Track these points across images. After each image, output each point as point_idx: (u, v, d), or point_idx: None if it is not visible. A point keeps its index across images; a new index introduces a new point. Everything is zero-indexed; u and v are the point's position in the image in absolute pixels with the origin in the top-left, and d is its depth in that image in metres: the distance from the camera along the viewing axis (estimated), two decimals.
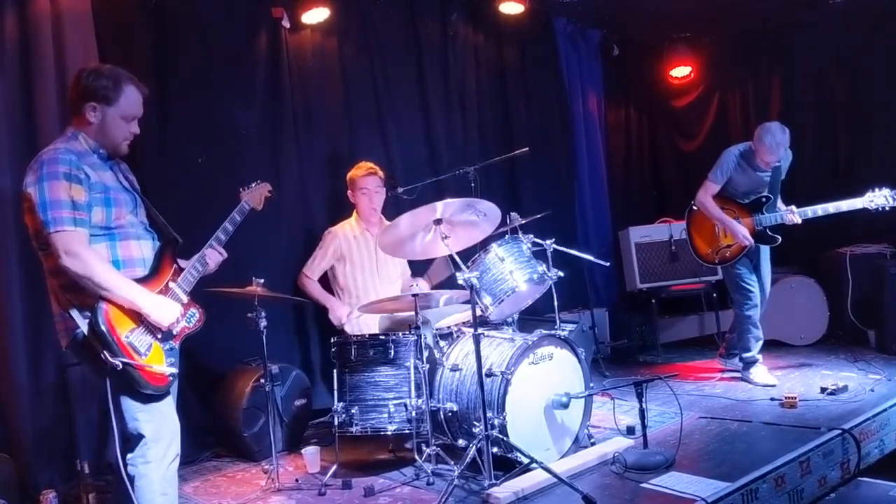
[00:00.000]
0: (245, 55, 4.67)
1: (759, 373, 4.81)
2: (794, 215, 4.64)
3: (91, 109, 2.60)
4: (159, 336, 2.59)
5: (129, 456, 2.57)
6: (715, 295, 6.12)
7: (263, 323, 3.60)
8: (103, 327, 2.43)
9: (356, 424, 3.64)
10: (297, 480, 3.64)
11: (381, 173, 4.57)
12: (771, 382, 4.72)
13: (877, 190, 4.53)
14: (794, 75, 6.69)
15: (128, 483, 2.55)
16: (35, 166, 2.50)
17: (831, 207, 4.58)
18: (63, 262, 2.41)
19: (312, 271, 4.54)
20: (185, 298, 2.71)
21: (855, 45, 6.29)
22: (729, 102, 7.17)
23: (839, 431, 3.62)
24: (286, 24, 4.80)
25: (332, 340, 3.82)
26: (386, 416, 3.63)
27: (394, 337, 3.72)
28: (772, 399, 4.37)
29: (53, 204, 2.42)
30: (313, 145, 4.99)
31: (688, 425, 3.85)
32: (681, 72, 7.19)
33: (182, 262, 2.81)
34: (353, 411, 3.64)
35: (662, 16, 6.48)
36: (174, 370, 2.61)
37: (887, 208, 4.51)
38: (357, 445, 4.06)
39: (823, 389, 4.40)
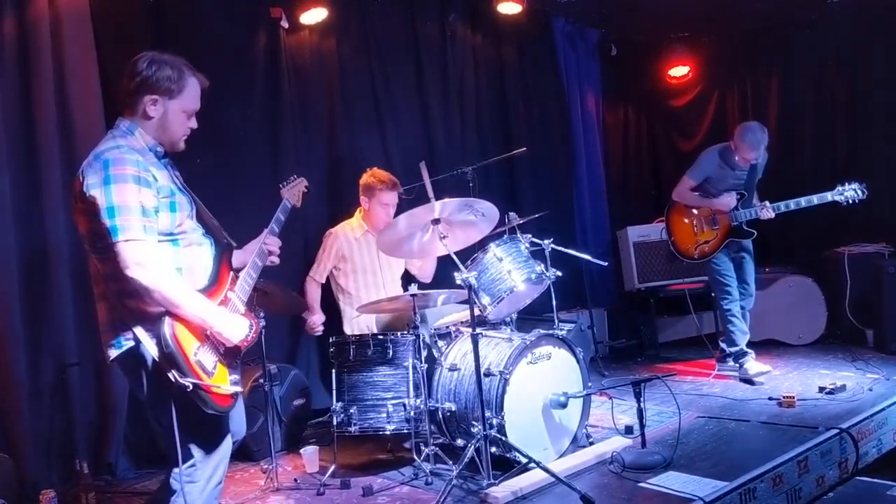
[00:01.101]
0: (244, 56, 4.67)
1: (752, 365, 4.84)
2: (767, 210, 4.76)
3: (151, 103, 2.39)
4: (222, 352, 2.41)
5: (174, 470, 2.38)
6: (713, 294, 6.12)
7: (262, 323, 3.60)
8: (172, 346, 2.23)
9: (355, 424, 3.64)
10: (295, 480, 3.64)
11: (401, 189, 4.48)
12: (764, 370, 4.78)
13: (846, 184, 4.68)
14: (793, 74, 6.70)
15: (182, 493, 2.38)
16: (97, 165, 2.26)
17: (803, 201, 4.74)
18: (131, 273, 2.20)
19: (320, 275, 4.49)
20: (242, 308, 2.52)
21: (855, 45, 6.30)
22: (728, 102, 7.18)
23: (837, 431, 3.63)
24: (285, 24, 4.80)
25: (330, 340, 3.83)
26: (384, 415, 3.63)
27: (392, 337, 3.72)
28: (770, 398, 4.37)
29: (122, 210, 2.21)
30: (312, 145, 5.00)
31: (686, 425, 3.85)
32: (679, 71, 7.21)
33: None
34: (351, 411, 3.65)
35: (661, 15, 6.48)
36: (239, 389, 2.43)
37: (857, 200, 4.68)
38: (356, 445, 4.06)
39: (821, 389, 4.40)
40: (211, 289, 2.43)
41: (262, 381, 3.76)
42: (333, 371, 3.75)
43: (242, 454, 4.08)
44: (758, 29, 6.80)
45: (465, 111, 5.89)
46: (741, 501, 3.05)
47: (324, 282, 4.52)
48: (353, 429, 3.64)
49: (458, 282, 3.34)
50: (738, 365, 4.95)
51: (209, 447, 2.43)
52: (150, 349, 2.27)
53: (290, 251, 4.78)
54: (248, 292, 2.57)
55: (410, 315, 3.78)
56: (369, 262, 4.49)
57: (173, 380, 2.22)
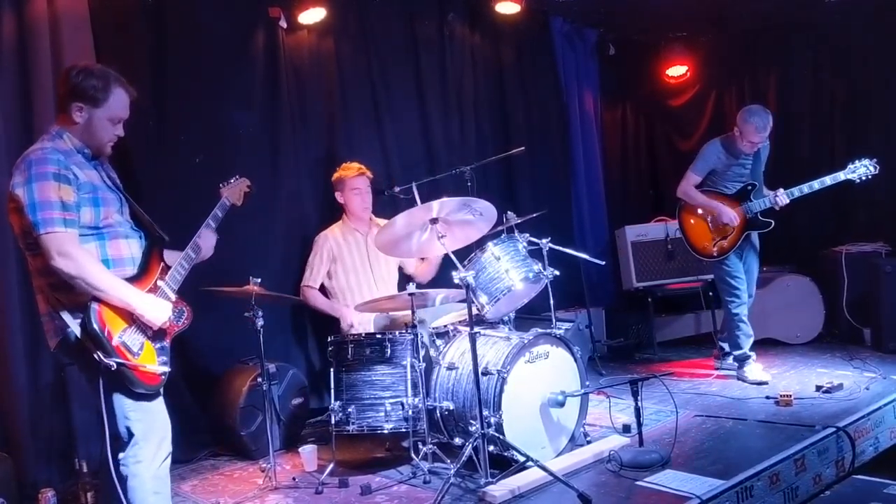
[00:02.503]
0: (242, 55, 4.67)
1: (753, 370, 4.83)
2: (782, 196, 4.71)
3: (77, 109, 2.57)
4: (150, 335, 2.59)
5: (120, 456, 2.55)
6: (711, 293, 6.12)
7: (260, 322, 3.61)
8: (96, 328, 2.42)
9: (353, 423, 3.65)
10: (294, 479, 3.65)
11: (369, 173, 4.61)
12: (764, 379, 4.74)
13: (857, 162, 4.66)
14: (791, 74, 6.70)
15: (117, 483, 2.53)
16: (22, 166, 2.46)
17: (816, 184, 4.69)
18: (55, 263, 2.39)
19: (314, 280, 4.53)
20: (173, 297, 2.69)
21: (854, 45, 6.30)
22: (726, 101, 7.17)
23: (834, 429, 3.64)
24: (283, 24, 4.80)
25: (328, 339, 3.84)
26: (383, 414, 3.64)
27: (390, 336, 3.73)
28: (767, 397, 4.38)
29: (43, 205, 2.40)
30: (310, 145, 5.00)
31: (683, 423, 3.86)
32: (677, 71, 7.20)
33: (168, 258, 2.77)
34: (349, 410, 3.66)
35: (659, 15, 6.49)
36: (166, 369, 2.60)
37: (869, 176, 4.65)
38: (354, 444, 4.07)
39: (819, 388, 4.41)
40: (140, 278, 2.62)
41: (260, 380, 3.77)
42: (332, 370, 3.76)
43: (241, 453, 4.10)
44: (757, 29, 6.80)
45: (464, 111, 5.89)
46: (738, 500, 3.06)
47: (318, 287, 4.54)
48: (351, 428, 3.65)
49: (456, 281, 3.35)
50: (736, 364, 4.96)
51: (148, 425, 2.58)
52: (77, 332, 2.45)
53: (292, 251, 4.83)
54: (179, 281, 2.73)
55: (408, 316, 3.79)
56: (359, 260, 4.55)
57: (98, 360, 2.41)
